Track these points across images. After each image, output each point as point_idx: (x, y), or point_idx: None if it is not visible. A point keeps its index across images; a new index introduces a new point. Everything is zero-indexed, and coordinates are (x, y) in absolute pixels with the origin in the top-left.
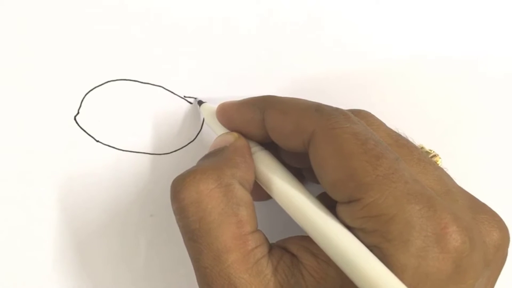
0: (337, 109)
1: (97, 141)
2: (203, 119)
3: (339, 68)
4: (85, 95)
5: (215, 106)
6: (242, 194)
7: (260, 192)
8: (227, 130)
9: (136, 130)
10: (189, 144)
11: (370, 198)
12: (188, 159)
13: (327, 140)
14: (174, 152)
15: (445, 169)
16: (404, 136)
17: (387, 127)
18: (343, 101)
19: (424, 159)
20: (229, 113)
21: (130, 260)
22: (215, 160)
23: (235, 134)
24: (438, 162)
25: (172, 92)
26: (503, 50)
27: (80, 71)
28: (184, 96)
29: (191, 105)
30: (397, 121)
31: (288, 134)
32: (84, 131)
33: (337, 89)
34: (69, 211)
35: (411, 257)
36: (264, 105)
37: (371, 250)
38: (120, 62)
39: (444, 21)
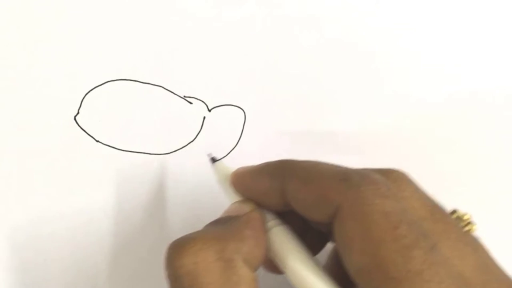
0: (366, 178)
1: (97, 141)
2: (204, 118)
3: (341, 69)
4: (85, 95)
5: (229, 168)
6: (244, 272)
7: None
8: (240, 197)
9: (136, 130)
10: (189, 144)
11: None
12: (188, 159)
13: (354, 218)
14: (174, 152)
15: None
16: (439, 205)
17: (421, 193)
18: (345, 102)
19: (462, 239)
20: (245, 182)
21: (130, 260)
22: (222, 229)
23: (251, 205)
24: (472, 230)
25: (172, 92)
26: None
27: (80, 71)
28: (184, 96)
29: (191, 104)
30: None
31: (311, 206)
32: (84, 131)
33: (339, 89)
34: (68, 211)
35: None
36: (284, 173)
37: None
38: (120, 62)
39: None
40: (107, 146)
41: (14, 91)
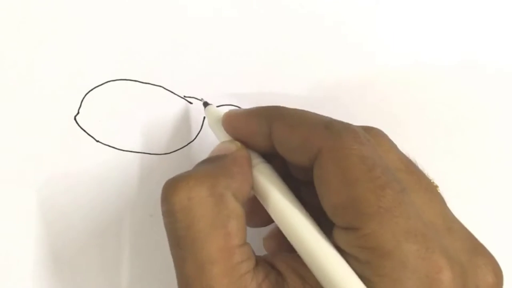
0: (347, 127)
1: (97, 141)
2: (204, 118)
3: (342, 69)
4: (85, 95)
5: (220, 110)
6: (234, 206)
7: (257, 219)
8: (230, 138)
9: (136, 130)
10: (189, 144)
11: (368, 229)
12: (188, 159)
13: (333, 160)
14: (174, 152)
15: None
16: (414, 162)
17: (398, 150)
18: (344, 100)
19: (432, 189)
20: (235, 122)
21: (130, 260)
22: (212, 167)
23: (238, 144)
24: None
25: (172, 92)
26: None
27: (80, 71)
28: (184, 96)
29: (191, 104)
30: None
31: (294, 149)
32: (84, 131)
33: (339, 87)
34: (69, 211)
35: None
36: (272, 117)
37: (361, 281)
38: (120, 62)
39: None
40: (107, 146)
41: (14, 91)
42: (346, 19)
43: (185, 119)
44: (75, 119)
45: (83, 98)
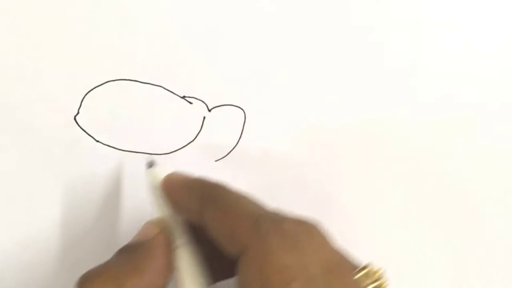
0: (276, 227)
1: (97, 141)
2: (204, 118)
3: (342, 69)
4: (85, 95)
5: (162, 174)
6: None
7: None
8: (162, 205)
9: (136, 130)
10: (189, 144)
11: None
12: (188, 159)
13: (255, 265)
14: (174, 152)
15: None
16: (345, 260)
17: (328, 248)
18: (345, 102)
19: None
20: (172, 191)
21: None
22: (123, 263)
23: (159, 227)
24: (383, 286)
25: (172, 92)
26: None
27: (80, 71)
28: (184, 96)
29: (191, 104)
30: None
31: (222, 237)
32: (84, 131)
33: (339, 89)
34: (68, 211)
35: None
36: (206, 197)
37: None
38: (120, 62)
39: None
40: (107, 146)
41: (14, 91)
42: (347, 18)
43: (185, 119)
44: (75, 119)
45: (83, 98)
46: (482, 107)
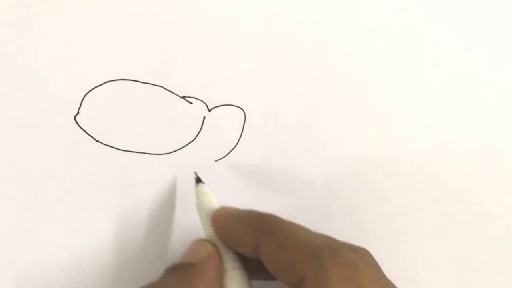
0: (335, 259)
1: (97, 141)
2: (204, 118)
3: (342, 69)
4: (85, 95)
5: (213, 198)
6: None
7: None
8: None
9: (136, 130)
10: (189, 144)
11: None
12: (188, 159)
13: None
14: (174, 152)
15: None
16: (395, 285)
17: (380, 276)
18: (345, 102)
19: None
20: (224, 226)
21: (129, 260)
22: (175, 282)
23: (209, 248)
24: None
25: (172, 92)
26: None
27: (80, 71)
28: (184, 96)
29: (191, 104)
30: (397, 118)
31: (280, 269)
32: (84, 131)
33: (339, 89)
34: (68, 211)
35: None
36: (262, 230)
37: None
38: (120, 62)
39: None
40: (107, 146)
41: (14, 91)
42: (346, 21)
43: (185, 119)
44: (75, 119)
45: (83, 98)
46: (482, 107)
